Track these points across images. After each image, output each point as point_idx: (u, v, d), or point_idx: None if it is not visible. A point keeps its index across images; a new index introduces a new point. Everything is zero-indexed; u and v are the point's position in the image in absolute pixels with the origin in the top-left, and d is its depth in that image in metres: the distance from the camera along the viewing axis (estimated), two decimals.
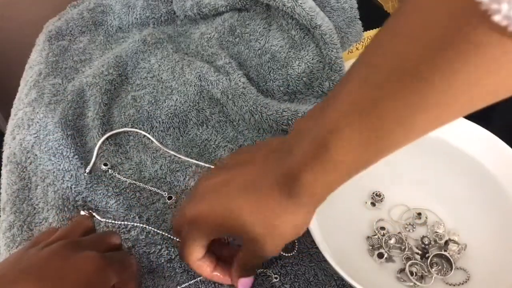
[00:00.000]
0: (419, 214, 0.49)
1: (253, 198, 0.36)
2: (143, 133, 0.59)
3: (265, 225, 0.36)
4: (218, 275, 0.43)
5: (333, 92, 0.34)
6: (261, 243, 0.37)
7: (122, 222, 0.51)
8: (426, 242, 0.47)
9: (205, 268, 0.42)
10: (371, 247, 0.47)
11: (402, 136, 0.31)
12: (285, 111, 0.57)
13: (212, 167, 0.55)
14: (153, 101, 0.62)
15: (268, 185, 0.36)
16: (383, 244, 0.47)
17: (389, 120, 0.30)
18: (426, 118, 0.29)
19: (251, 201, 0.36)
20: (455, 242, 0.46)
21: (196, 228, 0.39)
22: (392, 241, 0.47)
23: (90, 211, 0.52)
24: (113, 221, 0.52)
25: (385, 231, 0.48)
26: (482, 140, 0.47)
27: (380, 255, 0.46)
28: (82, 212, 0.52)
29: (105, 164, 0.56)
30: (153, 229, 0.51)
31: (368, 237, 0.48)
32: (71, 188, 0.54)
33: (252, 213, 0.36)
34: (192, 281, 0.46)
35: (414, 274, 0.45)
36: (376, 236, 0.48)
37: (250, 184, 0.37)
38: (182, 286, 0.46)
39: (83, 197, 0.54)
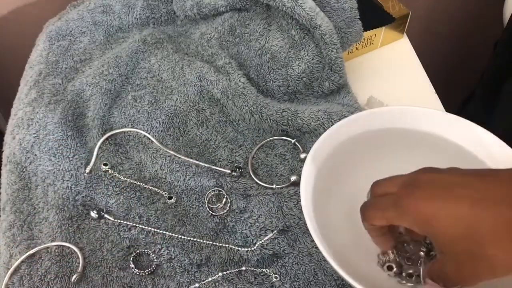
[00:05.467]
0: None
1: (484, 213, 0.32)
2: (143, 133, 0.59)
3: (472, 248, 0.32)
4: (382, 242, 0.42)
5: None
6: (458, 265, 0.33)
7: (122, 222, 0.51)
8: (428, 242, 0.47)
9: (373, 231, 0.41)
10: (381, 262, 0.46)
11: None
12: (285, 111, 0.58)
13: (213, 167, 0.55)
14: (153, 101, 0.62)
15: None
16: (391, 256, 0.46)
17: None
18: None
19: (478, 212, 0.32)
20: None
21: (399, 206, 0.36)
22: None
23: (101, 212, 0.52)
24: (113, 220, 0.52)
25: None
26: (483, 141, 0.47)
27: (390, 268, 0.45)
28: (92, 213, 0.52)
29: (105, 164, 0.56)
30: (153, 229, 0.51)
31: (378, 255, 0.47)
32: (71, 188, 0.54)
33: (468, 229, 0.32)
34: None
35: (413, 276, 0.45)
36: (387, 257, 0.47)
37: (485, 199, 0.32)
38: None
39: (83, 197, 0.54)
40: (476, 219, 0.32)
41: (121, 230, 0.51)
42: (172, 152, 0.57)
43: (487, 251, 0.32)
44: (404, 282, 0.44)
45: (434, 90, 0.66)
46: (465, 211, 0.32)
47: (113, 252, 0.49)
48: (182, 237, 0.50)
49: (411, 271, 0.44)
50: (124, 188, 0.54)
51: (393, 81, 0.68)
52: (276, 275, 0.47)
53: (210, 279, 0.47)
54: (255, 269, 0.47)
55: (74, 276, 0.47)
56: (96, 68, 0.65)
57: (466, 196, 0.33)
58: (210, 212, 0.52)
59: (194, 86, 0.63)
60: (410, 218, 0.35)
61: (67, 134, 0.58)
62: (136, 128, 0.60)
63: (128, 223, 0.51)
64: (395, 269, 0.45)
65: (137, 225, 0.51)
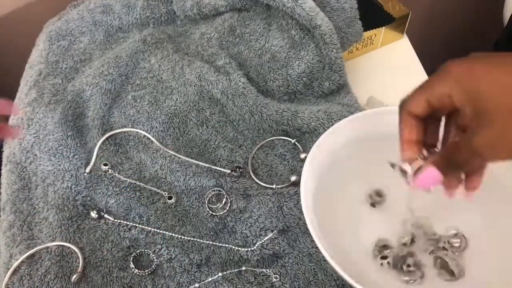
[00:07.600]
0: (419, 214, 0.49)
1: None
2: (143, 133, 0.59)
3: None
4: (409, 144, 0.39)
5: None
6: (490, 130, 0.31)
7: (122, 221, 0.51)
8: (437, 237, 0.47)
9: (407, 125, 0.38)
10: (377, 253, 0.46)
11: None
12: (285, 111, 0.58)
13: (213, 167, 0.55)
14: (153, 101, 0.62)
15: None
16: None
17: None
18: None
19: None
20: (455, 242, 0.46)
21: (448, 73, 0.34)
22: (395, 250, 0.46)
23: (101, 212, 0.52)
24: (113, 220, 0.52)
25: (388, 251, 0.47)
26: None
27: (383, 257, 0.46)
28: (92, 213, 0.52)
29: (105, 164, 0.56)
30: (153, 229, 0.51)
31: (375, 251, 0.47)
32: (71, 188, 0.54)
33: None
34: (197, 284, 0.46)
35: (412, 265, 0.44)
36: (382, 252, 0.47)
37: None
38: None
39: (83, 197, 0.54)
40: None
41: (121, 230, 0.51)
42: (172, 152, 0.57)
43: None
44: (407, 278, 0.44)
45: None
46: None
47: (113, 252, 0.49)
48: (182, 237, 0.50)
49: (412, 269, 0.45)
50: (124, 188, 0.54)
51: (393, 81, 0.68)
52: (276, 275, 0.47)
53: (210, 279, 0.47)
54: (255, 269, 0.47)
55: (74, 276, 0.47)
56: (96, 68, 0.65)
57: None
58: (210, 212, 0.52)
59: (194, 86, 0.63)
60: (460, 85, 0.33)
61: (67, 134, 0.58)
62: (136, 128, 0.60)
63: (128, 223, 0.51)
64: (388, 258, 0.45)
65: (137, 225, 0.51)
